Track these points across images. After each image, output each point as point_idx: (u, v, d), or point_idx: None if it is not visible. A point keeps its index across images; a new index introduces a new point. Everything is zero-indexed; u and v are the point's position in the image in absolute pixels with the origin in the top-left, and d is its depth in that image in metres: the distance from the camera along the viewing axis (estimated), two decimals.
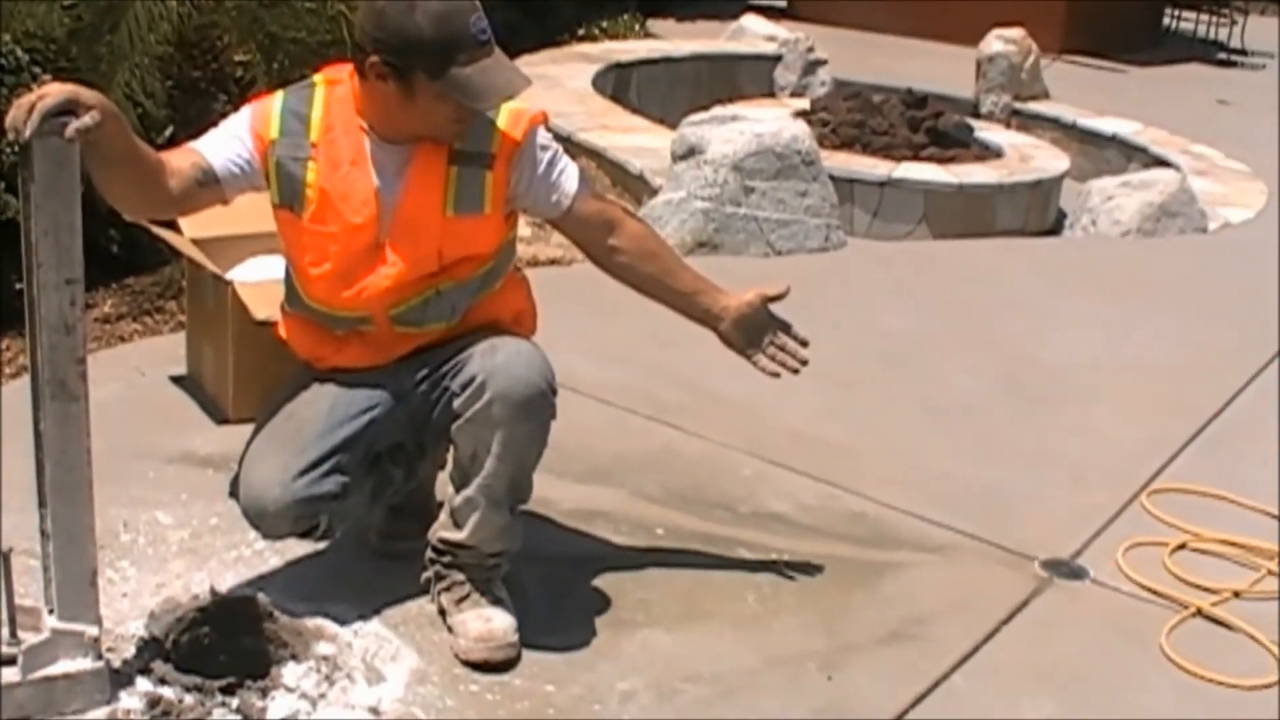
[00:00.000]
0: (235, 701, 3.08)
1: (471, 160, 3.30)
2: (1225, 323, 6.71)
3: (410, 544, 3.65)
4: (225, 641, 3.16)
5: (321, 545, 3.63)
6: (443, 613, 3.49)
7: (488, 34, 3.18)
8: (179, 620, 3.16)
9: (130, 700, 3.03)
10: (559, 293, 4.55)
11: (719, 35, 12.78)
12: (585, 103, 9.54)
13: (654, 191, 7.42)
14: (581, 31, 12.37)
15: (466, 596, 3.45)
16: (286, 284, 3.52)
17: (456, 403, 3.31)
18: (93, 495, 2.91)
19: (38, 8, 5.99)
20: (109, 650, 3.14)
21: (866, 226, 8.03)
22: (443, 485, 3.56)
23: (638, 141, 8.53)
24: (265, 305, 4.04)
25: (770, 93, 11.63)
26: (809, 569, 4.00)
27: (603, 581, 3.81)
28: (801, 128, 7.52)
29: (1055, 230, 8.81)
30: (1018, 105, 11.62)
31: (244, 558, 3.71)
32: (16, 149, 2.83)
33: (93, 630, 2.98)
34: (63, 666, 2.97)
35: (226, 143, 3.28)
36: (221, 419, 4.46)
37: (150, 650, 3.15)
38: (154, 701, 3.03)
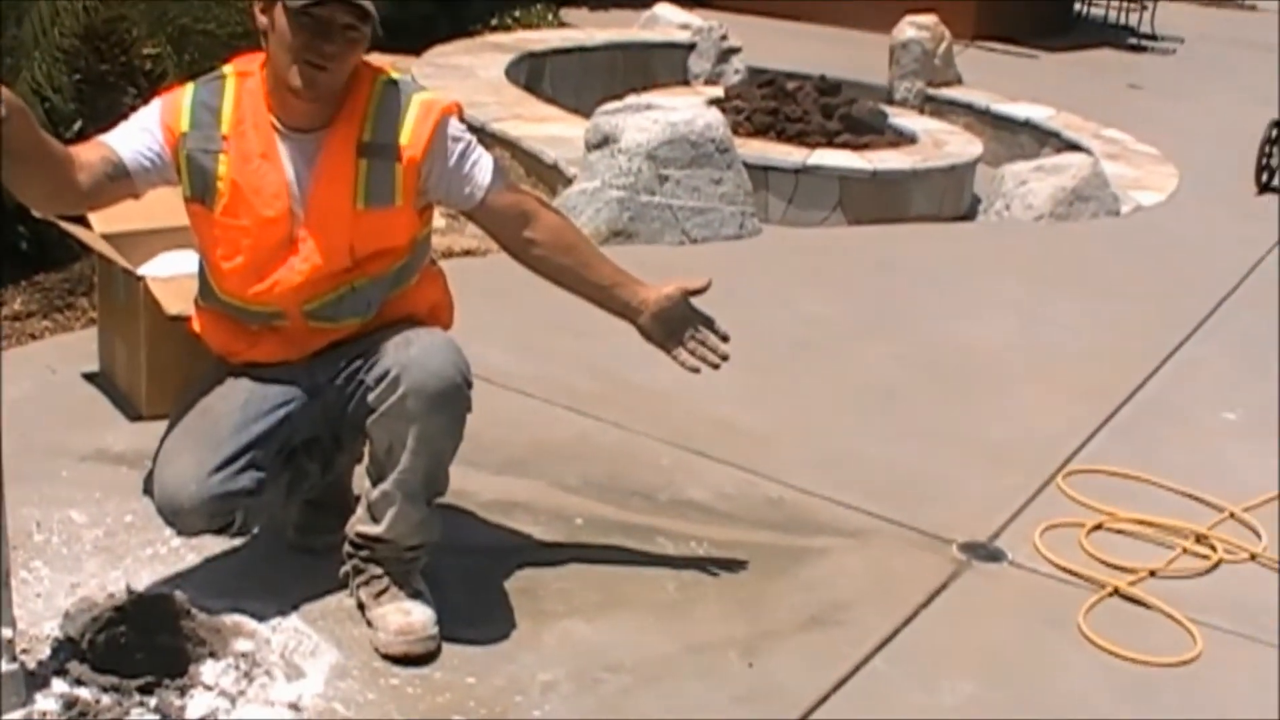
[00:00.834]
0: (153, 701, 3.05)
1: (380, 152, 3.28)
2: (1138, 305, 6.78)
3: (328, 539, 3.63)
4: (142, 640, 3.13)
5: (238, 541, 3.61)
6: (361, 607, 3.48)
7: None
8: (95, 620, 3.13)
9: (46, 702, 3.00)
10: (475, 284, 4.53)
11: (632, 24, 12.76)
12: (499, 93, 9.51)
13: (568, 181, 7.41)
14: (495, 22, 12.34)
15: (385, 590, 3.44)
16: (200, 278, 3.49)
17: (371, 397, 3.30)
18: (4, 495, 2.87)
19: None
20: (24, 652, 3.10)
21: (782, 214, 8.04)
22: (359, 479, 3.53)
23: (552, 131, 8.51)
24: (178, 300, 4.00)
25: (684, 81, 11.63)
26: (728, 556, 4.01)
27: (522, 572, 3.80)
28: (715, 116, 7.53)
29: (970, 215, 8.87)
30: (931, 91, 11.68)
31: (160, 555, 3.67)
32: None
33: (6, 632, 2.94)
34: None
35: (136, 136, 3.25)
36: (135, 416, 4.42)
37: (66, 651, 3.12)
38: (70, 703, 3.00)
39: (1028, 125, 10.98)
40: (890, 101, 10.91)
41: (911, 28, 11.74)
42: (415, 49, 10.44)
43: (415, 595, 3.45)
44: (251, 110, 3.27)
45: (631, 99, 8.68)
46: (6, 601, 2.94)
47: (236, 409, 3.32)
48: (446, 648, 3.40)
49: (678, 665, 3.48)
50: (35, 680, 3.03)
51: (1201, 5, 20.54)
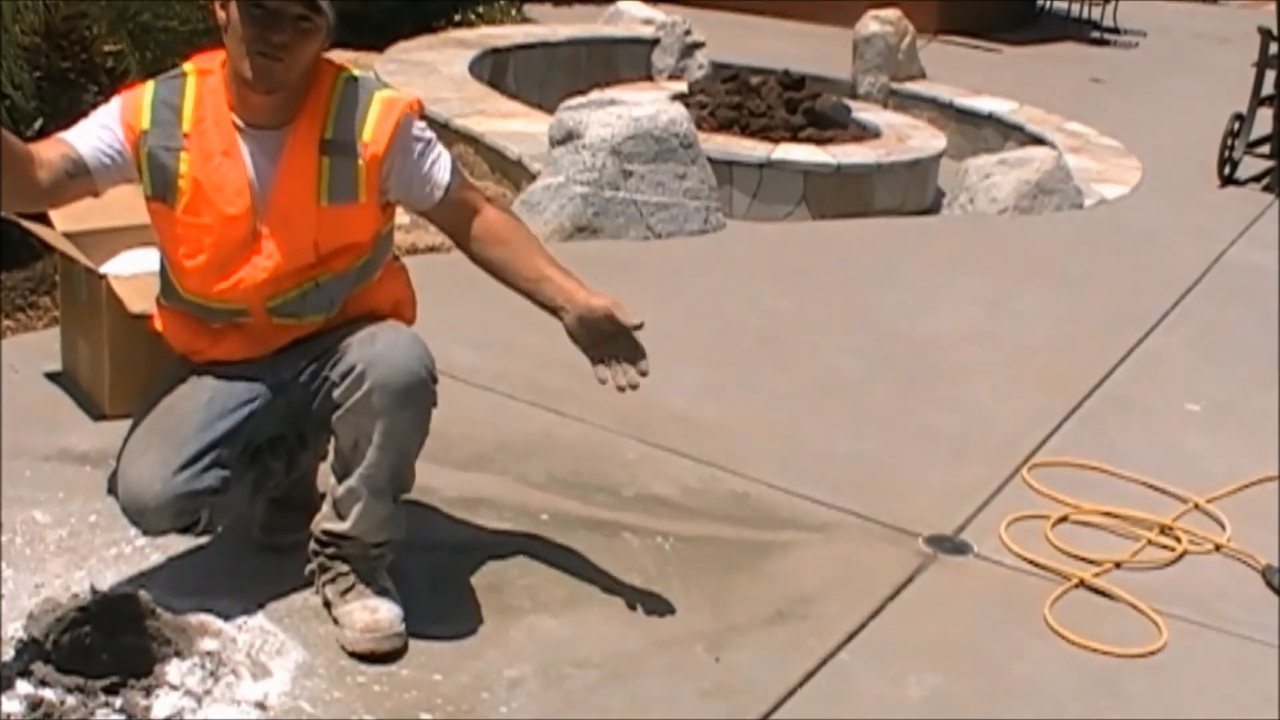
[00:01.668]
0: (119, 701, 3.04)
1: (342, 150, 3.28)
2: (1101, 297, 6.81)
3: (293, 536, 3.62)
4: (107, 640, 3.12)
5: (203, 540, 3.58)
6: (328, 605, 3.47)
7: None
8: (59, 620, 3.12)
9: (11, 704, 2.98)
10: (438, 280, 4.52)
11: (596, 19, 12.76)
12: (462, 89, 9.48)
13: (532, 177, 7.40)
14: (458, 18, 12.30)
15: (351, 588, 3.43)
16: (162, 277, 3.47)
17: (336, 393, 3.29)
18: None
19: None
20: None
21: (746, 208, 8.04)
22: (324, 476, 3.52)
23: (515, 127, 8.49)
24: (140, 299, 3.98)
25: (648, 76, 11.62)
26: (694, 551, 4.01)
27: (488, 568, 3.80)
28: (679, 110, 7.53)
29: (933, 209, 8.87)
30: (895, 86, 11.69)
31: (124, 555, 3.66)
32: None
33: None
34: None
35: (97, 133, 3.24)
36: (98, 415, 4.40)
37: (30, 652, 3.10)
38: (35, 704, 2.98)
39: (991, 119, 11.00)
40: (854, 96, 10.90)
41: (875, 22, 11.76)
42: (378, 45, 10.42)
43: (381, 592, 3.45)
44: (212, 108, 3.26)
45: (595, 94, 8.69)
46: None
47: (201, 407, 3.31)
48: (413, 645, 3.40)
49: (644, 660, 3.49)
50: None
51: None
